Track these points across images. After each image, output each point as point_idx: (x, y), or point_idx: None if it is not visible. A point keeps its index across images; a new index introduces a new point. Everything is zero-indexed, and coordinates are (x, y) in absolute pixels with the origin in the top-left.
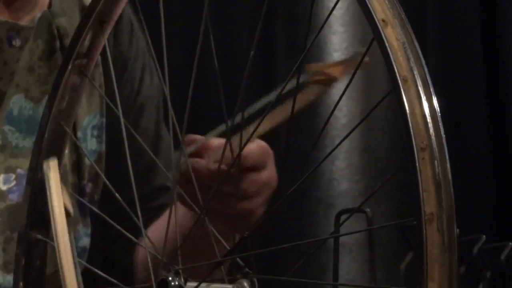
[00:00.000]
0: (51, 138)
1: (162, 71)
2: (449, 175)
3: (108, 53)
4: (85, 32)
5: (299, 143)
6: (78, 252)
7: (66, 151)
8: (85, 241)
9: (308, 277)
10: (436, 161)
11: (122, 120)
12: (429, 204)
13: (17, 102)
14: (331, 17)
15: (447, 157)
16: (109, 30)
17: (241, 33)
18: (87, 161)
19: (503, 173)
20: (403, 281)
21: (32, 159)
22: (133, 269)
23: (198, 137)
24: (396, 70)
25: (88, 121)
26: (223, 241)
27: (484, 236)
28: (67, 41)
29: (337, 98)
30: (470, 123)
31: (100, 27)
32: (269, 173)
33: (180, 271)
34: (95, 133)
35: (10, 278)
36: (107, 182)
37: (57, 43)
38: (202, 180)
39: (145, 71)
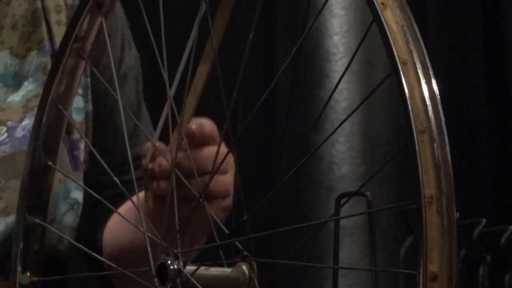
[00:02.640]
0: (49, 122)
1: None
2: (449, 157)
3: (107, 36)
4: (83, 16)
5: (299, 127)
6: (71, 203)
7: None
8: (77, 194)
9: (308, 261)
10: (435, 144)
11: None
12: (428, 187)
13: (2, 59)
14: (331, 0)
15: (446, 140)
16: (108, 13)
17: (240, 16)
18: (75, 117)
19: (504, 156)
20: (403, 265)
21: (30, 144)
22: (101, 245)
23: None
24: (395, 53)
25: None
26: (222, 225)
27: (484, 220)
28: (48, 1)
29: (336, 81)
30: (470, 105)
31: (98, 11)
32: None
33: (179, 254)
34: (80, 91)
35: (8, 219)
36: (93, 150)
37: (39, 2)
38: (166, 176)
39: (124, 41)
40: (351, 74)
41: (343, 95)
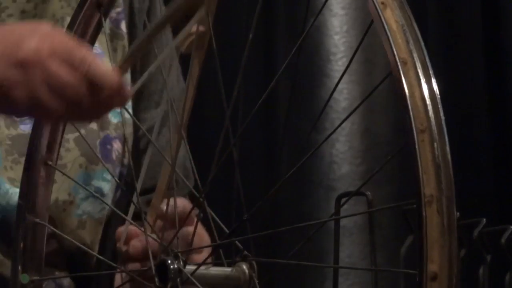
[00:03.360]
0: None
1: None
2: (449, 157)
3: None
4: None
5: (299, 126)
6: (93, 191)
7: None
8: (102, 184)
9: (309, 260)
10: (435, 143)
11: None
12: (428, 186)
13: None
14: (331, 0)
15: (446, 139)
16: None
17: (240, 15)
18: (111, 118)
19: (504, 155)
20: (403, 264)
21: (29, 144)
22: None
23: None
24: (395, 53)
25: None
26: (222, 225)
27: (484, 219)
28: None
29: (336, 80)
30: (470, 105)
31: None
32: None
33: (179, 254)
34: None
35: (15, 190)
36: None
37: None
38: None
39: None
40: (351, 73)
41: (343, 95)
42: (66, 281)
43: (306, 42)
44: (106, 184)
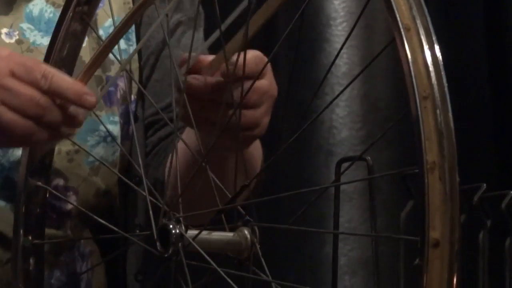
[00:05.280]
0: None
1: None
2: (451, 124)
3: None
4: None
5: (299, 91)
6: (102, 136)
7: (86, 44)
8: (110, 127)
9: (309, 226)
10: (438, 110)
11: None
12: (431, 153)
13: (37, 5)
14: None
15: (449, 106)
16: None
17: None
18: (111, 56)
19: (504, 122)
20: (403, 230)
21: None
22: (164, 180)
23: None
24: (398, 19)
25: (110, 23)
26: (225, 190)
27: (484, 185)
28: None
29: (338, 46)
30: (472, 71)
31: None
32: (268, 81)
33: (181, 219)
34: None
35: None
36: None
37: None
38: (203, 95)
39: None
40: (352, 38)
41: (343, 60)
42: (88, 249)
43: (307, 7)
44: (115, 127)
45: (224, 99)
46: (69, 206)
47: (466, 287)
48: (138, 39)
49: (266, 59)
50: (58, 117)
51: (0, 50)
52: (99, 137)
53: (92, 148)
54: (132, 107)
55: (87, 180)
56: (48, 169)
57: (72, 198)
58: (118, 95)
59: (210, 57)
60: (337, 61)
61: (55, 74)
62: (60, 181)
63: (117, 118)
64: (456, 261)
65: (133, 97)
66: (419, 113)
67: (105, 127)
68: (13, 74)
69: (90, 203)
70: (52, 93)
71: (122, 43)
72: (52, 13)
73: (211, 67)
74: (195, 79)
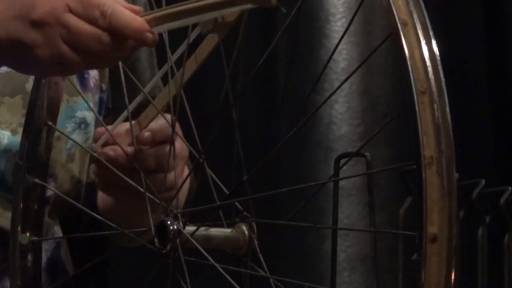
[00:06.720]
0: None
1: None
2: (449, 118)
3: None
4: None
5: (298, 87)
6: (78, 122)
7: None
8: (86, 114)
9: (307, 221)
10: (435, 105)
11: None
12: (428, 148)
13: None
14: None
15: (446, 101)
16: None
17: None
18: None
19: (503, 117)
20: (402, 225)
21: (29, 105)
22: None
23: (104, 129)
24: (395, 14)
25: None
26: (222, 186)
27: (483, 180)
28: None
29: (336, 41)
30: (471, 66)
31: None
32: (179, 144)
33: (179, 215)
34: None
35: (2, 133)
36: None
37: None
38: (122, 164)
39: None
40: (350, 34)
41: (342, 56)
42: (58, 230)
43: (305, 2)
44: (89, 114)
45: (141, 165)
46: (49, 193)
47: (465, 283)
48: None
49: (175, 123)
50: (114, 52)
51: None
52: (75, 123)
53: (71, 134)
54: (103, 96)
55: (64, 166)
56: (46, 165)
57: (52, 185)
58: (92, 83)
59: (124, 127)
60: (336, 57)
61: (114, 10)
62: None
63: (91, 105)
64: (454, 256)
65: (104, 86)
66: (416, 108)
67: (92, 110)
68: (70, 10)
69: (64, 188)
70: (112, 30)
71: None
72: None
73: (128, 136)
74: (114, 150)
